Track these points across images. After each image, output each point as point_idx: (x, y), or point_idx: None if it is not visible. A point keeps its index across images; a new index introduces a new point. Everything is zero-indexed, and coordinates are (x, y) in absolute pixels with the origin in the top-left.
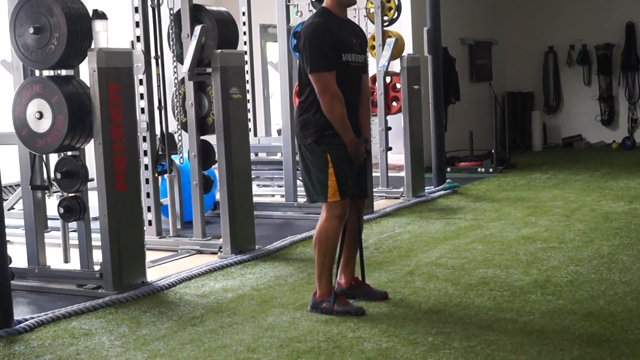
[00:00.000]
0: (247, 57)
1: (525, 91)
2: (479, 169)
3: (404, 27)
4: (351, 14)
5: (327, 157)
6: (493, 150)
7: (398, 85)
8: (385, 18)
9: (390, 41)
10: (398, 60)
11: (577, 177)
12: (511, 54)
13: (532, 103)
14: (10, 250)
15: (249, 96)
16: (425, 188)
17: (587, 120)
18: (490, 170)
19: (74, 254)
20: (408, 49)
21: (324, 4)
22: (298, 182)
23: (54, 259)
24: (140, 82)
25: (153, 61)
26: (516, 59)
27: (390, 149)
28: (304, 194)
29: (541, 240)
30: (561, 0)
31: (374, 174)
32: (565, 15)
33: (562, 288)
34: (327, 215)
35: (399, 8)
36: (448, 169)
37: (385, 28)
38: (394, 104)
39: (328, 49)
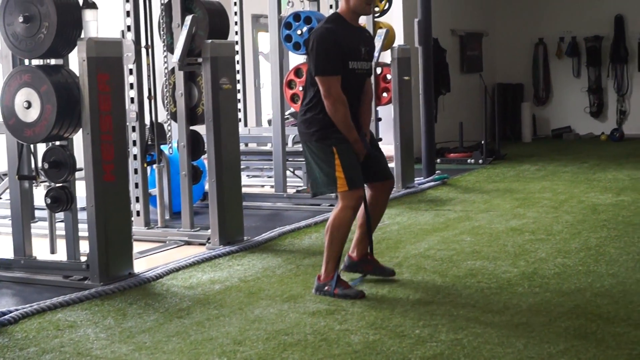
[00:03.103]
0: (238, 47)
1: (515, 83)
2: (468, 160)
3: (395, 18)
4: None
5: (332, 149)
6: (483, 142)
7: (388, 76)
8: (377, 9)
9: (381, 32)
10: (389, 51)
11: (566, 169)
12: (501, 46)
13: (522, 94)
14: None
15: (239, 86)
16: (415, 179)
17: (577, 111)
18: (480, 161)
19: (61, 244)
20: (399, 40)
21: (338, 10)
22: (288, 172)
23: (40, 249)
24: (130, 71)
25: (143, 51)
26: (506, 51)
27: (380, 139)
28: (294, 185)
29: (529, 232)
30: None
31: None
32: (555, 7)
33: (549, 280)
34: (342, 205)
35: None
36: (438, 160)
37: (376, 19)
38: (385, 94)
39: (335, 54)
